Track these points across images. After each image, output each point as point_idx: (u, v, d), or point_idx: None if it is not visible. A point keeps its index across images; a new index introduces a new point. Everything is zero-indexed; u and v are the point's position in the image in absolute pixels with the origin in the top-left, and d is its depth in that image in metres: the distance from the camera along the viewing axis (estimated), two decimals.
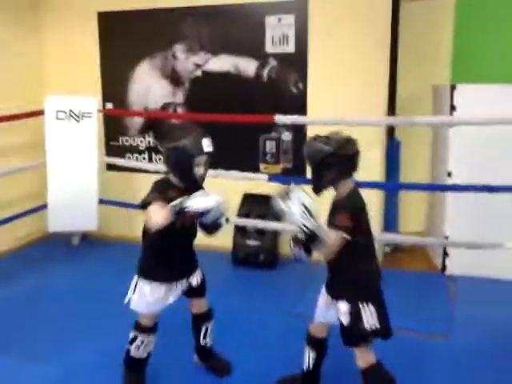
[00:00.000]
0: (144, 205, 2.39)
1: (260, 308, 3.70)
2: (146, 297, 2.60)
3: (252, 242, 4.48)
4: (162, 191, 2.44)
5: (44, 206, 4.80)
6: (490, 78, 4.20)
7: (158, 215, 2.28)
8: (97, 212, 4.85)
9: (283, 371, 2.85)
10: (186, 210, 2.28)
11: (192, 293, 2.76)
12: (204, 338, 2.86)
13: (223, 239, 4.56)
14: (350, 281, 2.36)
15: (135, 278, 2.66)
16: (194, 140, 2.43)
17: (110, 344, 3.17)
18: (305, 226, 2.16)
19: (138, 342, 2.66)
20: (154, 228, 2.32)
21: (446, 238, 4.16)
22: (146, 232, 2.57)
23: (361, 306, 2.31)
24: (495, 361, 3.03)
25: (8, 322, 3.54)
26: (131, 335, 2.68)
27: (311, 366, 2.65)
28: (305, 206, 2.17)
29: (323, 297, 2.55)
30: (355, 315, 2.32)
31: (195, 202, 2.29)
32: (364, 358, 2.38)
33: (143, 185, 4.96)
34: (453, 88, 3.96)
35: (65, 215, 4.71)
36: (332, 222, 2.29)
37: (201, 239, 2.73)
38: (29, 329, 3.45)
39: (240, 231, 4.53)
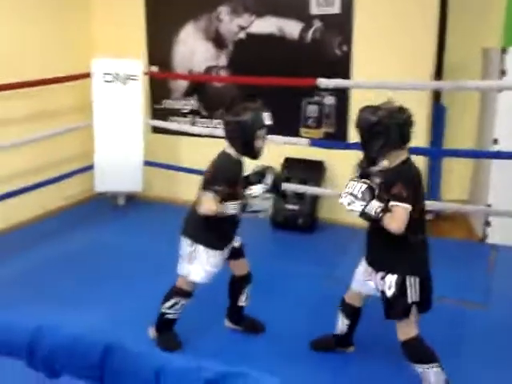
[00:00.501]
0: (204, 187, 2.55)
1: (298, 271, 3.77)
2: (204, 265, 2.68)
3: (291, 206, 4.52)
4: (227, 179, 2.55)
5: (91, 167, 4.96)
6: None
7: (209, 208, 2.52)
8: (141, 173, 4.98)
9: (318, 333, 2.91)
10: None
11: (235, 254, 2.85)
12: (245, 299, 2.94)
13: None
14: (398, 253, 2.33)
15: (188, 244, 2.69)
16: (256, 114, 2.54)
17: (149, 300, 3.31)
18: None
19: (178, 306, 2.79)
20: (202, 214, 2.55)
21: (489, 206, 4.08)
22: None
23: (407, 279, 2.31)
24: None
25: (54, 277, 3.72)
26: (172, 301, 2.78)
27: (345, 330, 2.70)
28: (352, 194, 2.32)
29: (362, 267, 2.54)
30: (400, 289, 2.31)
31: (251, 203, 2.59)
32: (404, 330, 2.40)
33: (187, 148, 5.15)
34: (503, 51, 3.82)
35: (111, 176, 4.87)
36: (389, 194, 2.25)
37: None
38: (74, 284, 3.62)
39: (279, 195, 4.57)
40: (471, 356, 2.81)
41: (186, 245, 2.71)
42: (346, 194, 2.34)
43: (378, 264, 2.42)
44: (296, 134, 4.59)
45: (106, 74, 4.71)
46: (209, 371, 0.83)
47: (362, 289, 2.57)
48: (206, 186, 2.55)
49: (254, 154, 2.60)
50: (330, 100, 4.51)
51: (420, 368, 2.37)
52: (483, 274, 3.74)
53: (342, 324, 2.70)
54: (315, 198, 4.54)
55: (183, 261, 2.73)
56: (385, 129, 2.24)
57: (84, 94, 4.92)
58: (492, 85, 3.78)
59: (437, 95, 4.59)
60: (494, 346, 2.91)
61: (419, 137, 4.17)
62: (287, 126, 4.50)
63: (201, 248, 2.67)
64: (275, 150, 4.32)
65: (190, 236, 2.70)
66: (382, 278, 2.38)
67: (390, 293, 2.34)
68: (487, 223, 4.21)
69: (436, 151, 4.46)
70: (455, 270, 3.77)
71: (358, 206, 2.29)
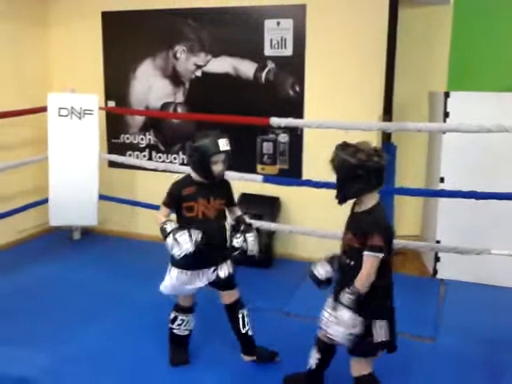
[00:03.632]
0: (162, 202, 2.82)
1: (253, 306, 3.76)
2: (173, 280, 2.84)
3: None
4: (172, 194, 2.79)
5: (45, 201, 4.90)
6: (487, 85, 4.22)
7: (157, 220, 2.76)
8: (97, 207, 4.94)
9: (271, 368, 2.96)
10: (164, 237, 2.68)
11: (220, 285, 2.91)
12: (243, 325, 2.98)
13: None
14: (366, 297, 2.31)
15: (169, 264, 2.88)
16: (211, 140, 2.70)
17: (103, 338, 3.29)
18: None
19: (178, 321, 2.97)
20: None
21: (438, 242, 4.21)
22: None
23: (373, 321, 2.33)
24: (480, 366, 3.07)
25: (6, 314, 3.62)
26: (172, 315, 2.97)
27: (314, 365, 2.68)
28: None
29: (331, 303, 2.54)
30: (366, 329, 2.31)
31: (170, 241, 2.66)
32: (359, 367, 2.42)
33: (143, 182, 5.15)
34: (446, 95, 4.01)
35: (66, 210, 4.81)
36: (365, 241, 2.27)
37: None
38: (27, 320, 3.53)
39: (235, 230, 4.59)
40: None
41: None
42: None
43: None
44: (253, 170, 4.67)
45: (61, 108, 4.70)
46: None
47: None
48: (163, 202, 2.82)
49: (212, 177, 2.75)
50: (283, 138, 4.62)
51: None
52: (433, 308, 3.81)
53: (312, 358, 2.68)
54: (271, 234, 4.59)
55: (166, 275, 2.90)
56: (365, 172, 2.23)
57: (40, 128, 4.90)
58: (433, 127, 3.95)
59: (388, 134, 4.75)
60: (441, 378, 2.97)
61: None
62: (244, 162, 4.57)
63: (172, 268, 2.85)
64: (232, 186, 4.39)
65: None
66: None
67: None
68: (437, 259, 4.33)
69: (386, 190, 4.57)
70: (406, 305, 3.78)
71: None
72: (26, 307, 3.72)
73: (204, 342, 3.21)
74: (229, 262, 2.93)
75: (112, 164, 5.21)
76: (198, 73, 4.78)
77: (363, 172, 2.23)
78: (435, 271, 4.35)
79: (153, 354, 3.09)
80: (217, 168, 2.73)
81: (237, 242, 2.85)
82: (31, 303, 3.79)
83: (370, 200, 2.34)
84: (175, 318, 2.97)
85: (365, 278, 2.27)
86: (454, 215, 4.11)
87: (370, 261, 2.26)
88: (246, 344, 3.04)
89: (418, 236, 4.96)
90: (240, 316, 2.98)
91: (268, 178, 4.21)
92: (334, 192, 2.50)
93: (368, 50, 4.23)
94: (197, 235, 2.68)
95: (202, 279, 2.86)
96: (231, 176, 4.20)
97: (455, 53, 4.26)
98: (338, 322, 2.26)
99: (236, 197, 4.61)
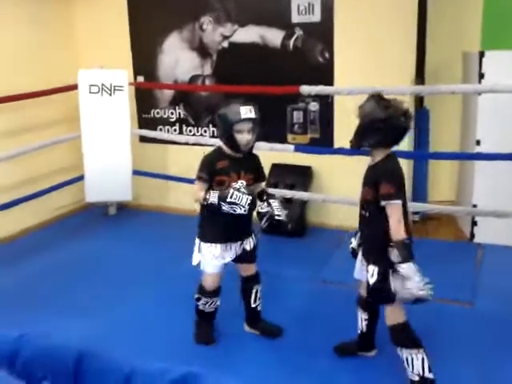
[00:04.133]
0: (196, 178, 2.73)
1: (288, 275, 3.81)
2: (204, 255, 2.81)
3: None
4: (208, 168, 2.69)
5: (81, 178, 4.99)
6: None
7: (195, 197, 2.70)
8: (131, 183, 5.01)
9: (311, 335, 3.00)
10: (216, 206, 2.60)
11: (244, 258, 2.91)
12: (255, 300, 3.00)
13: None
14: (381, 245, 2.38)
15: (197, 240, 2.86)
16: (233, 108, 2.60)
17: (140, 310, 3.38)
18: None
19: (202, 301, 2.91)
20: (195, 201, 2.72)
21: (475, 206, 4.14)
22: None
23: (390, 270, 2.36)
24: None
25: (47, 287, 3.76)
26: (196, 296, 2.92)
27: (364, 327, 2.72)
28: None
29: (358, 258, 2.62)
30: (382, 278, 2.37)
31: (225, 200, 2.56)
32: (392, 316, 2.47)
33: (174, 156, 5.19)
34: (481, 55, 3.89)
35: (101, 186, 4.90)
36: (378, 192, 2.31)
37: None
38: (70, 294, 3.65)
39: None
40: (458, 352, 2.85)
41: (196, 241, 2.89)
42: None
43: (366, 255, 2.51)
44: (283, 140, 4.65)
45: (91, 85, 4.74)
46: (173, 373, 0.87)
47: (361, 277, 2.61)
48: (196, 176, 2.72)
49: (238, 148, 2.65)
50: (314, 106, 4.56)
51: (405, 353, 2.43)
52: (470, 273, 3.78)
53: (360, 321, 2.72)
54: (303, 203, 4.59)
55: (194, 254, 2.88)
56: (388, 128, 2.29)
57: (72, 106, 4.96)
58: (467, 88, 3.85)
59: (420, 99, 4.66)
60: (480, 342, 2.96)
61: (404, 140, 4.24)
62: (274, 132, 4.56)
63: (202, 243, 2.82)
64: (262, 156, 4.38)
65: (196, 234, 2.87)
66: (367, 268, 2.46)
67: (372, 280, 2.42)
68: (474, 223, 4.27)
69: (420, 154, 4.52)
70: (442, 270, 3.80)
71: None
72: (67, 282, 3.83)
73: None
74: (253, 235, 2.91)
75: (143, 139, 5.25)
76: (225, 44, 4.74)
77: (386, 127, 2.28)
78: (472, 235, 4.30)
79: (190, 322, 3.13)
80: (242, 137, 2.61)
81: (261, 208, 2.78)
82: (72, 278, 3.90)
83: (382, 153, 2.39)
84: (199, 299, 2.92)
85: (395, 225, 2.31)
86: (490, 178, 4.03)
87: (391, 208, 2.30)
88: (252, 317, 3.07)
89: (453, 201, 4.88)
90: (254, 290, 2.99)
91: (299, 148, 4.19)
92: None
93: (398, 11, 4.11)
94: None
95: (230, 253, 2.84)
96: (262, 147, 4.21)
97: (489, 10, 4.12)
98: (406, 278, 2.26)
99: (267, 167, 4.66)
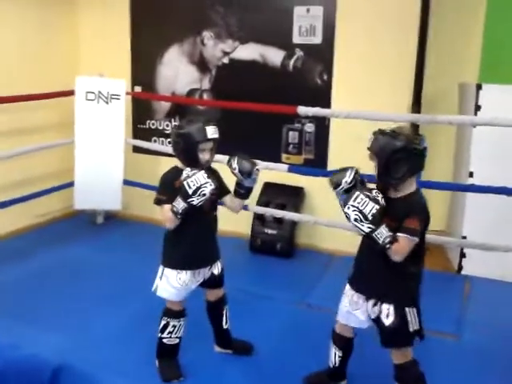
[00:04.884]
0: (155, 202, 2.60)
1: (273, 296, 3.76)
2: (172, 284, 2.68)
3: (270, 231, 4.53)
4: (167, 187, 2.58)
5: (71, 184, 4.94)
6: None
7: (166, 219, 2.53)
8: (121, 192, 4.97)
9: (290, 357, 2.95)
10: (187, 206, 2.45)
11: (213, 282, 2.82)
12: (226, 321, 2.93)
13: (242, 226, 4.65)
14: (397, 282, 2.30)
15: (160, 267, 2.74)
16: (199, 127, 2.53)
17: (115, 324, 3.30)
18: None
19: (170, 328, 2.74)
20: (172, 228, 2.56)
21: (464, 238, 4.13)
22: None
23: (407, 309, 2.31)
24: (503, 364, 3.03)
25: (26, 294, 3.67)
26: (162, 323, 2.74)
27: (337, 363, 2.64)
28: (362, 212, 2.19)
29: (347, 297, 2.50)
30: (401, 318, 2.30)
31: (189, 193, 2.43)
32: (402, 355, 2.39)
33: (167, 168, 5.12)
34: (478, 87, 3.91)
35: (90, 193, 4.84)
36: (399, 225, 2.21)
37: (219, 224, 2.82)
38: (49, 302, 3.57)
39: (259, 219, 4.59)
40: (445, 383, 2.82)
41: (159, 267, 2.76)
42: (354, 207, 2.20)
43: (371, 291, 2.39)
44: (278, 159, 4.63)
45: (88, 92, 4.72)
46: None
47: (348, 321, 2.52)
48: (156, 201, 2.60)
49: (200, 167, 2.55)
50: (310, 127, 4.56)
51: None
52: (457, 305, 3.76)
53: (333, 356, 2.63)
54: (294, 224, 4.56)
55: (157, 279, 2.74)
56: (407, 155, 2.19)
57: (67, 112, 4.93)
58: (465, 120, 3.86)
59: (415, 127, 4.66)
60: (464, 375, 2.92)
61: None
62: (269, 151, 4.56)
63: (168, 270, 2.70)
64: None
65: (161, 261, 2.75)
66: (375, 305, 2.37)
67: (388, 322, 2.32)
68: (463, 255, 4.25)
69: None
70: (430, 301, 3.75)
71: (365, 228, 2.20)
72: (45, 290, 3.75)
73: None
74: (220, 259, 2.84)
75: (137, 149, 5.22)
76: (225, 59, 4.74)
77: (406, 155, 2.18)
78: (460, 267, 4.28)
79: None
80: (203, 156, 2.56)
81: (232, 164, 2.63)
82: (51, 286, 3.82)
83: (409, 186, 2.28)
84: (166, 325, 2.74)
85: (398, 254, 2.21)
86: (481, 211, 4.02)
87: (404, 242, 2.20)
88: (224, 338, 2.99)
89: (443, 231, 4.87)
90: (224, 312, 2.92)
91: (293, 168, 4.17)
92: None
93: (398, 39, 4.14)
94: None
95: (199, 278, 2.76)
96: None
97: (489, 43, 4.14)
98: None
99: (260, 186, 4.65)
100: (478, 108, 3.89)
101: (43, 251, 4.42)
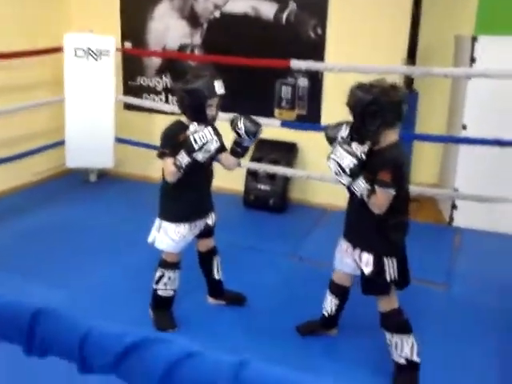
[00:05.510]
0: (159, 156, 2.59)
1: (266, 249, 3.82)
2: (171, 236, 2.72)
3: (263, 186, 4.55)
4: (171, 141, 2.58)
5: (62, 142, 4.90)
6: None
7: (168, 173, 2.54)
8: (113, 150, 4.94)
9: (285, 308, 3.02)
10: (191, 160, 2.47)
11: (206, 232, 2.88)
12: (217, 271, 3.00)
13: (235, 182, 4.67)
14: (377, 233, 2.35)
15: (158, 220, 2.76)
16: (207, 82, 2.54)
17: (107, 278, 3.35)
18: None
19: (165, 279, 2.80)
20: (169, 181, 2.57)
21: (456, 190, 4.17)
22: (163, 174, 2.68)
23: (385, 259, 2.35)
24: (492, 313, 3.11)
25: (21, 251, 3.70)
26: (158, 274, 2.80)
27: (333, 311, 2.72)
28: (340, 165, 2.24)
29: (341, 245, 2.56)
30: (378, 267, 2.35)
31: (195, 148, 2.44)
32: (385, 303, 2.45)
33: (159, 125, 5.06)
34: (474, 39, 3.87)
35: (82, 151, 4.82)
36: (375, 177, 2.25)
37: (213, 180, 2.84)
38: (40, 258, 3.61)
39: (252, 175, 4.60)
40: (433, 332, 2.90)
41: (156, 220, 2.79)
42: (334, 160, 2.26)
43: (356, 241, 2.46)
44: (270, 114, 4.60)
45: (78, 48, 4.63)
46: (131, 336, 0.85)
47: (343, 267, 2.59)
48: (159, 154, 2.60)
49: (206, 122, 2.56)
50: (303, 82, 4.52)
51: (396, 338, 2.42)
52: (447, 256, 3.83)
53: (330, 304, 2.70)
54: (287, 179, 4.58)
55: (153, 229, 2.78)
56: (380, 108, 2.19)
57: (57, 69, 4.84)
58: (460, 72, 3.84)
59: (410, 80, 4.63)
60: (452, 323, 3.02)
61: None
62: (261, 106, 4.52)
63: (167, 223, 2.73)
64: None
65: (158, 214, 2.77)
66: (361, 255, 2.42)
67: (367, 270, 2.38)
68: (454, 206, 4.31)
69: (406, 135, 4.50)
70: (420, 252, 3.83)
71: (344, 180, 2.27)
72: (38, 247, 3.77)
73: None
74: (214, 209, 2.89)
75: (128, 106, 5.17)
76: (217, 13, 4.65)
77: (378, 108, 2.19)
78: (451, 219, 4.33)
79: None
80: (211, 112, 2.58)
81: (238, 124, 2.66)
82: (44, 243, 3.84)
83: (389, 137, 2.29)
84: (162, 276, 2.79)
85: (376, 206, 2.28)
86: (473, 163, 4.05)
87: (381, 195, 2.25)
88: (216, 289, 3.05)
89: (435, 184, 4.91)
90: (215, 262, 2.98)
91: (286, 123, 4.16)
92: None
93: None
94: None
95: (195, 230, 2.80)
96: None
97: None
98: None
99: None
100: (473, 60, 3.87)
101: (36, 210, 4.42)
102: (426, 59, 4.51)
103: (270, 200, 4.53)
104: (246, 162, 4.42)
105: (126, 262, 3.53)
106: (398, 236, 2.40)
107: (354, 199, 2.40)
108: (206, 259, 2.98)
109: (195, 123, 2.52)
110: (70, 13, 5.17)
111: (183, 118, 2.66)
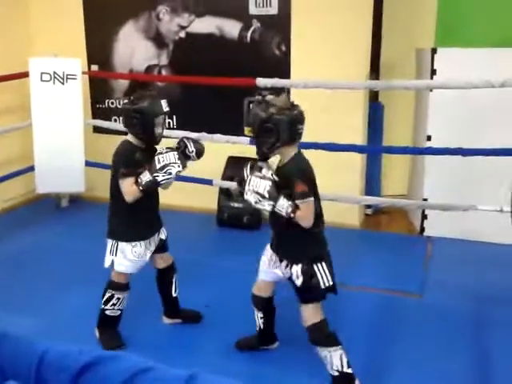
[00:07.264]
0: (117, 177, 2.63)
1: (239, 268, 3.76)
2: (129, 257, 2.72)
3: (236, 204, 4.55)
4: (129, 161, 2.62)
5: (32, 168, 4.84)
6: (475, 41, 4.18)
7: (129, 192, 2.58)
8: (83, 174, 4.89)
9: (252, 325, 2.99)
10: (152, 180, 2.54)
11: (161, 247, 2.89)
12: (175, 290, 2.98)
13: (208, 202, 4.66)
14: (302, 243, 2.39)
15: (110, 241, 2.75)
16: (154, 101, 2.63)
17: (80, 308, 3.28)
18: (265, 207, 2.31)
19: (114, 300, 2.79)
20: (130, 201, 2.59)
21: (425, 200, 4.24)
22: (114, 195, 2.70)
23: (315, 266, 2.37)
24: (466, 321, 3.14)
25: None
26: (107, 295, 2.79)
27: (261, 325, 2.72)
28: (258, 193, 2.29)
29: (266, 256, 2.58)
30: (310, 275, 2.37)
31: (156, 168, 2.53)
32: (311, 315, 2.44)
33: None
34: (433, 51, 3.97)
35: (52, 177, 4.75)
36: (291, 192, 2.29)
37: (186, 201, 2.85)
38: (10, 285, 3.55)
39: (224, 194, 4.61)
40: (407, 341, 2.93)
41: (109, 242, 2.78)
42: (250, 191, 2.33)
43: (281, 254, 2.48)
44: (240, 132, 4.62)
45: (43, 73, 4.60)
46: (88, 355, 0.86)
47: (266, 277, 2.60)
48: (122, 174, 2.60)
49: (154, 140, 2.67)
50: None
51: (324, 351, 2.42)
52: (420, 265, 3.87)
53: (257, 318, 2.72)
54: None
55: (107, 253, 2.77)
56: (274, 126, 2.26)
57: (23, 95, 4.80)
58: (420, 84, 3.92)
59: (375, 93, 4.72)
60: (428, 330, 3.04)
61: (356, 134, 4.31)
62: (230, 124, 4.54)
63: (121, 244, 2.73)
64: (218, 149, 4.36)
65: (111, 236, 2.77)
66: (287, 267, 2.44)
67: (299, 282, 2.39)
68: (424, 216, 4.37)
69: (374, 149, 4.59)
70: (392, 261, 3.90)
71: (267, 206, 2.30)
72: (10, 275, 3.72)
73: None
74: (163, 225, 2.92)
75: (97, 129, 5.14)
76: (182, 34, 4.68)
77: (272, 125, 2.26)
78: (422, 229, 4.39)
79: (140, 312, 3.10)
80: (157, 130, 2.65)
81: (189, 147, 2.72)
82: (16, 271, 3.78)
83: (289, 152, 2.36)
84: (111, 298, 2.79)
85: (304, 220, 2.30)
86: (440, 173, 4.13)
87: (304, 206, 2.28)
88: (172, 307, 3.04)
89: (405, 195, 4.99)
90: (174, 280, 2.97)
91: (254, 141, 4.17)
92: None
93: (354, 7, 4.15)
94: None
95: (151, 248, 2.81)
96: (218, 139, 4.20)
97: (443, 7, 4.20)
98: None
99: (223, 160, 4.65)
100: (433, 72, 3.96)
101: (7, 237, 4.35)
102: (390, 73, 4.62)
103: (243, 218, 4.53)
104: (218, 181, 4.43)
105: (98, 289, 3.47)
106: (322, 243, 2.45)
107: (272, 214, 2.41)
108: (165, 276, 2.96)
109: (162, 148, 2.61)
110: (32, 37, 5.15)
111: (129, 138, 2.69)
